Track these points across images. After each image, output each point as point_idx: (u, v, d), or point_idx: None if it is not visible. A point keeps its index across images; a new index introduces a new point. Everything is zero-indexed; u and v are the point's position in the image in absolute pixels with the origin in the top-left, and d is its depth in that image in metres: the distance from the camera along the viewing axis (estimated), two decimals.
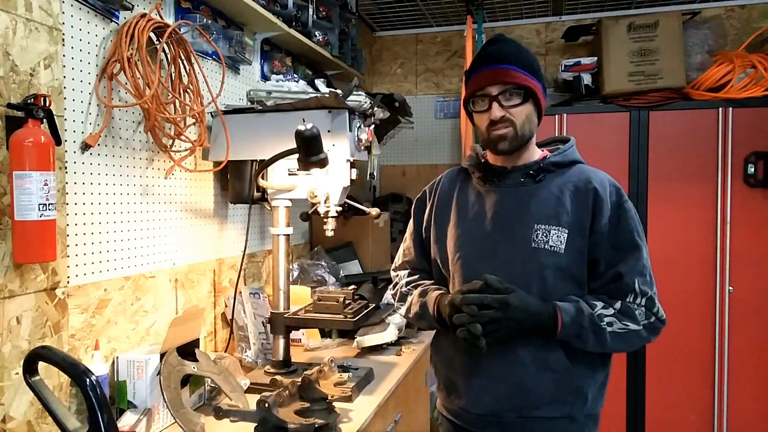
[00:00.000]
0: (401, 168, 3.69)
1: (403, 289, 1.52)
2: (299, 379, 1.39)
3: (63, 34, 1.34)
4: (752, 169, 2.66)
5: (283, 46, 2.43)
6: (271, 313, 1.80)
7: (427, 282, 1.48)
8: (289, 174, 1.80)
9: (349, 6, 2.89)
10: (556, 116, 2.89)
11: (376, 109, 1.94)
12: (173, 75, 1.61)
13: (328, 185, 1.75)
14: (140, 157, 1.62)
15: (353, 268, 2.77)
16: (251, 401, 1.39)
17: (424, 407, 2.35)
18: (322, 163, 1.56)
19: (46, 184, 1.17)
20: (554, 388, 1.28)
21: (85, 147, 1.41)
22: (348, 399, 1.60)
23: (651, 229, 2.78)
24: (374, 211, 1.92)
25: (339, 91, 1.85)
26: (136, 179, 1.61)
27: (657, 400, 2.83)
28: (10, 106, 1.17)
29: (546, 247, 1.28)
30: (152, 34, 1.54)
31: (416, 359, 2.10)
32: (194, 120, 1.73)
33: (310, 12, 2.40)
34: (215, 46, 1.79)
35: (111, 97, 1.47)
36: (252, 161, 1.86)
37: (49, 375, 1.26)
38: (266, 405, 1.28)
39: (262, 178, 1.80)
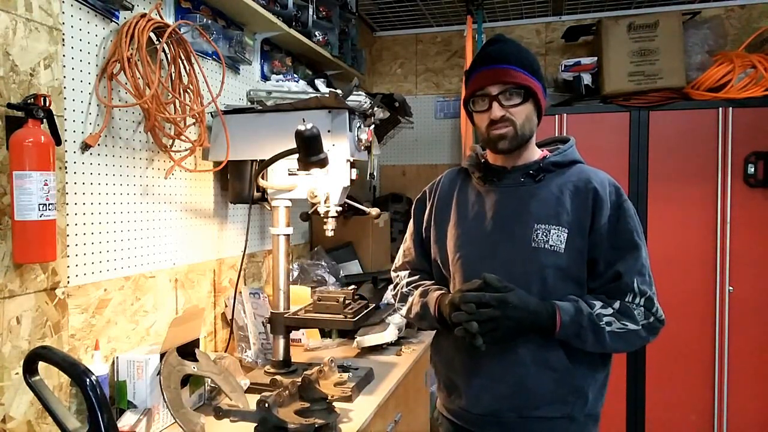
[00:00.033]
0: (401, 168, 3.69)
1: (404, 289, 1.52)
2: (299, 379, 1.39)
3: (63, 34, 1.34)
4: (752, 169, 2.66)
5: (283, 46, 2.43)
6: (271, 313, 1.80)
7: (428, 282, 1.48)
8: (289, 174, 1.80)
9: (349, 6, 2.89)
10: (556, 116, 2.89)
11: (376, 109, 1.94)
12: (173, 75, 1.61)
13: (328, 185, 1.75)
14: (140, 157, 1.62)
15: (353, 268, 2.77)
16: (251, 401, 1.39)
17: (424, 407, 2.35)
18: (322, 163, 1.56)
19: (46, 184, 1.17)
20: (554, 388, 1.28)
21: (85, 147, 1.41)
22: (348, 399, 1.60)
23: (651, 229, 2.78)
24: (374, 211, 1.92)
25: (339, 91, 1.85)
26: (136, 179, 1.61)
27: (657, 400, 2.83)
28: (10, 106, 1.17)
29: (546, 246, 1.28)
30: (152, 34, 1.54)
31: (416, 359, 2.10)
32: (194, 120, 1.73)
33: (310, 12, 2.40)
34: (215, 46, 1.79)
35: (111, 97, 1.47)
36: (252, 161, 1.86)
37: (49, 375, 1.26)
38: (266, 405, 1.28)
39: (262, 178, 1.80)
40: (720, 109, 2.71)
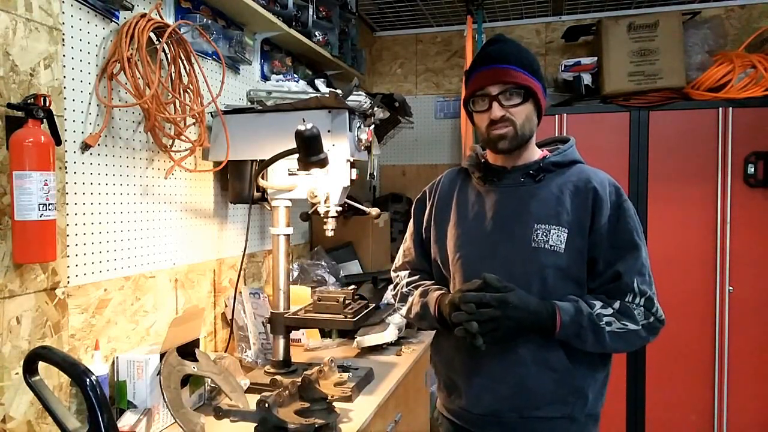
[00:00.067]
0: (401, 168, 3.69)
1: (404, 289, 1.52)
2: (299, 379, 1.39)
3: (63, 34, 1.34)
4: (752, 169, 2.66)
5: (283, 46, 2.43)
6: (271, 313, 1.80)
7: (428, 282, 1.48)
8: (289, 174, 1.80)
9: (349, 6, 2.89)
10: (556, 116, 2.89)
11: (376, 109, 1.94)
12: (173, 75, 1.61)
13: (328, 185, 1.75)
14: (140, 157, 1.62)
15: (353, 268, 2.77)
16: (251, 401, 1.39)
17: (424, 407, 2.35)
18: (322, 163, 1.56)
19: (46, 184, 1.17)
20: (555, 388, 1.28)
21: (85, 147, 1.41)
22: (348, 399, 1.60)
23: (651, 229, 2.78)
24: (374, 211, 1.92)
25: (339, 91, 1.85)
26: (136, 179, 1.61)
27: (657, 400, 2.83)
28: (10, 106, 1.17)
29: (546, 246, 1.28)
30: (152, 34, 1.54)
31: (416, 359, 2.10)
32: (194, 120, 1.73)
33: (310, 12, 2.40)
34: (215, 46, 1.79)
35: (111, 97, 1.47)
36: (252, 161, 1.86)
37: (49, 375, 1.26)
38: (266, 405, 1.28)
39: (262, 178, 1.80)
40: (720, 109, 2.71)
